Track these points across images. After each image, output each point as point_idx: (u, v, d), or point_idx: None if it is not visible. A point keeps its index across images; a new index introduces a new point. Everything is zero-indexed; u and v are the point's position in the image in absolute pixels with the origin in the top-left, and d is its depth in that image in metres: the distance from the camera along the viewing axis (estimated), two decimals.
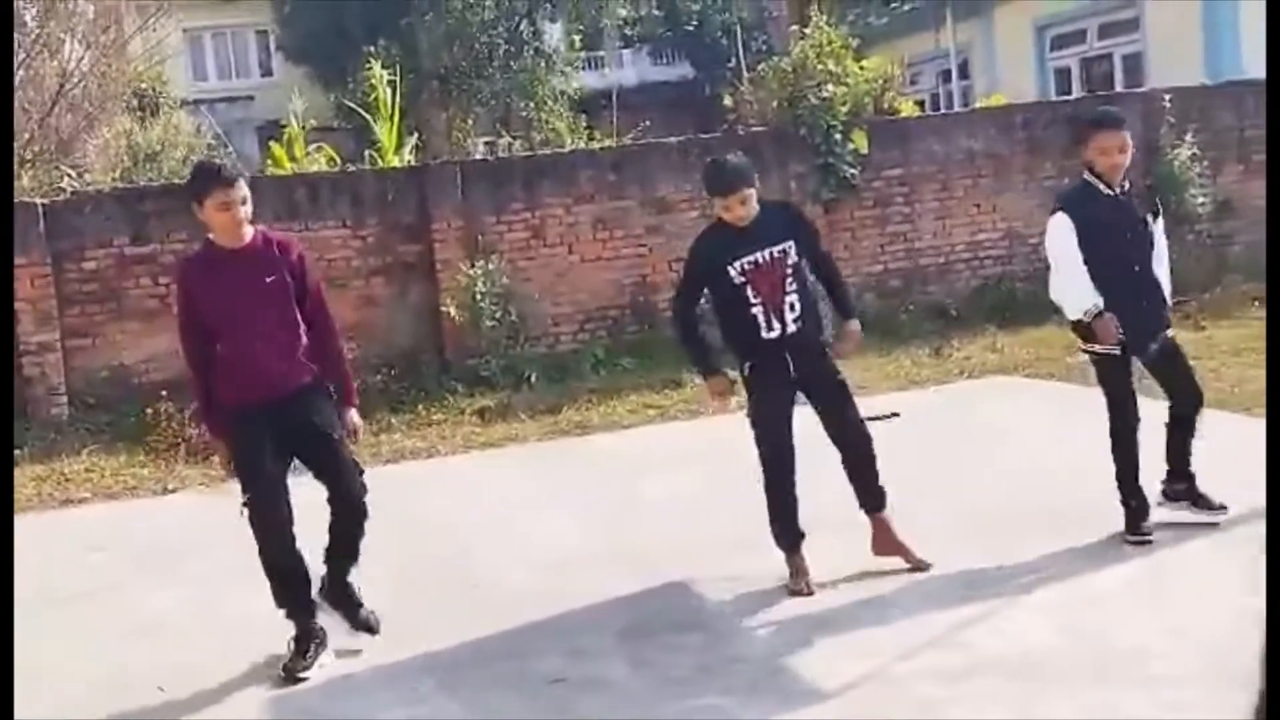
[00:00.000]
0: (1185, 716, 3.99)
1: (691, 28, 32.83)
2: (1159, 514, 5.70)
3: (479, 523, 7.13)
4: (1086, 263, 5.63)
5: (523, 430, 9.60)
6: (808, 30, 12.45)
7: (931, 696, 4.29)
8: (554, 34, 27.39)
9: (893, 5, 23.88)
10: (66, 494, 8.76)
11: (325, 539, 5.13)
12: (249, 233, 5.00)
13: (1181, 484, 5.78)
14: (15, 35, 13.40)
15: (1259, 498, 5.13)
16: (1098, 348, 5.67)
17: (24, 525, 7.97)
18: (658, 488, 7.30)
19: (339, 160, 13.19)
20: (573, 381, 10.87)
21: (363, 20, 23.77)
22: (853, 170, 12.10)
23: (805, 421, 5.49)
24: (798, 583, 5.37)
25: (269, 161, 13.24)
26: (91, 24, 14.64)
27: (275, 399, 4.96)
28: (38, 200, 10.61)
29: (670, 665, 4.76)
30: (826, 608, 5.21)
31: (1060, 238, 5.69)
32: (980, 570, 5.47)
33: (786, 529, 5.47)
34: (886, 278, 12.50)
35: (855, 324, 5.66)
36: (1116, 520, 5.64)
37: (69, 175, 11.84)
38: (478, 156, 16.61)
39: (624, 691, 4.59)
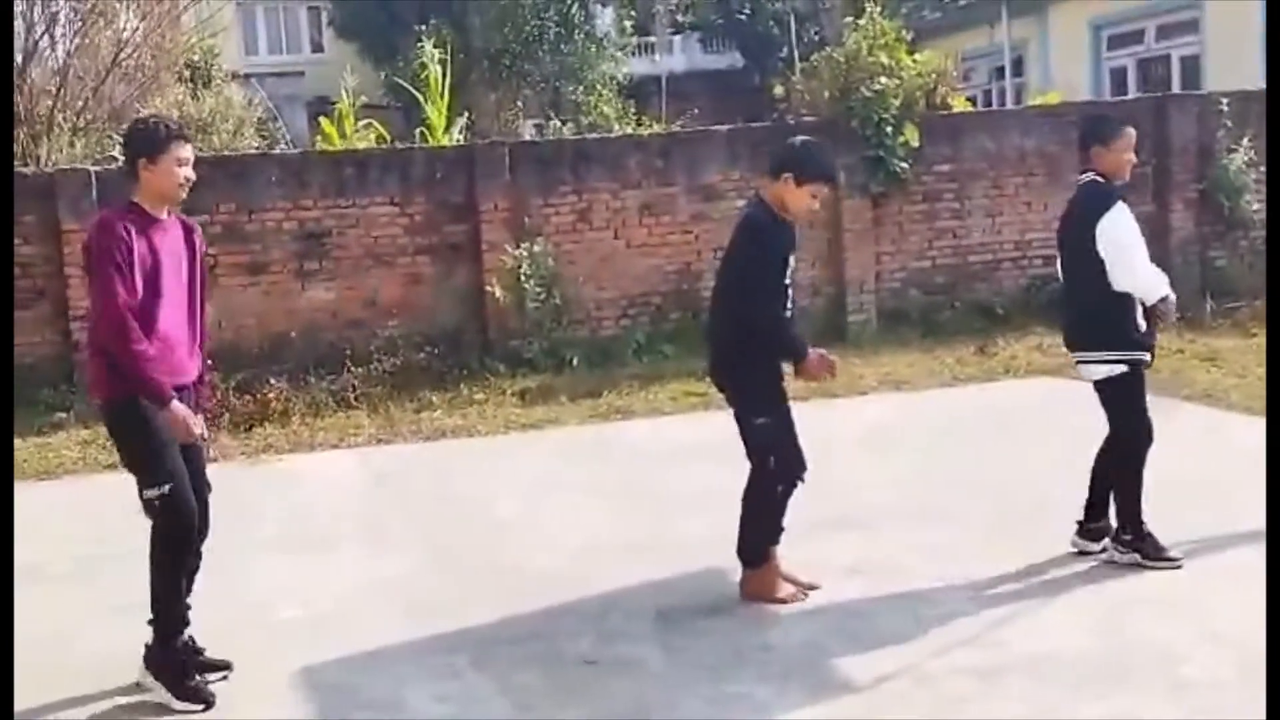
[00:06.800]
0: None
1: (743, 16, 32.68)
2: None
3: (515, 504, 7.13)
4: None
5: (563, 414, 9.61)
6: (861, 22, 12.37)
7: (963, 693, 4.27)
8: (605, 18, 27.39)
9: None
10: (111, 458, 8.82)
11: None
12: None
13: (1098, 522, 5.59)
14: (71, 4, 13.53)
15: None
16: (1131, 355, 5.42)
17: (67, 488, 8.10)
18: (696, 475, 7.28)
19: (388, 138, 13.25)
20: (614, 366, 10.88)
21: None
22: (903, 164, 12.01)
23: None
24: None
25: (319, 137, 13.32)
26: None
27: (179, 387, 4.57)
28: (90, 168, 10.72)
29: (703, 651, 4.76)
30: (860, 601, 5.19)
31: (1129, 224, 5.39)
32: (1016, 569, 5.45)
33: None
34: (933, 274, 12.41)
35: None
36: (1154, 523, 5.55)
37: (121, 144, 11.93)
38: (527, 139, 16.68)
39: (656, 675, 4.59)
